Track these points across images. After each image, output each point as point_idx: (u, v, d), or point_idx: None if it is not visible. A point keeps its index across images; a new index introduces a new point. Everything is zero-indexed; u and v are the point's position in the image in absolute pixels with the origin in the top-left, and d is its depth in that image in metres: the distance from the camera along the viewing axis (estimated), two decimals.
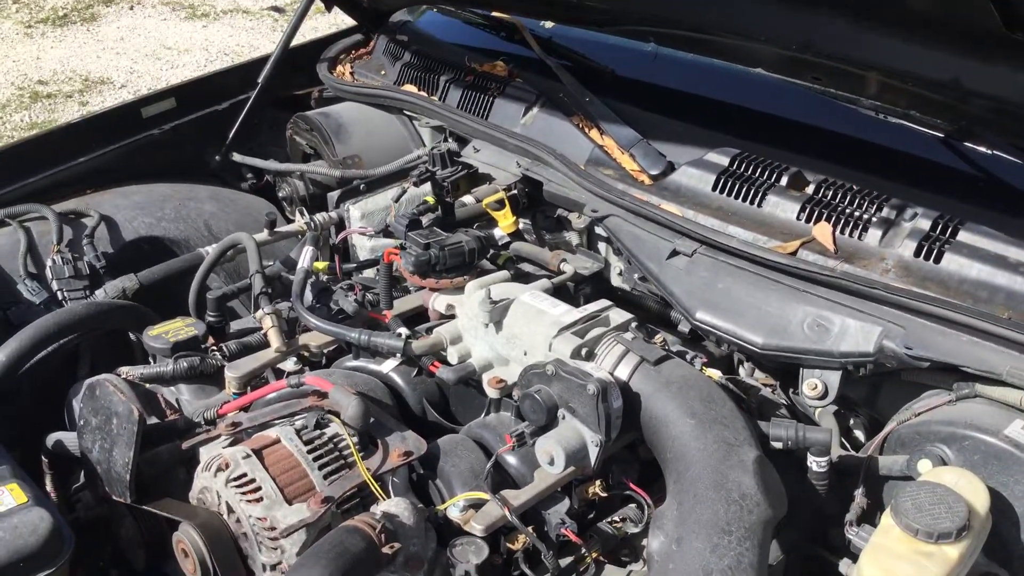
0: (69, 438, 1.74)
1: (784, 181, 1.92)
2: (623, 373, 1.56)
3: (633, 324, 1.69)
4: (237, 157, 2.74)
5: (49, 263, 2.16)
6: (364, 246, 2.29)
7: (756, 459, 1.44)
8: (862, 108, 2.01)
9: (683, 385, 1.53)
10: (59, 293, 2.13)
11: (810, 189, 1.91)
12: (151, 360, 1.86)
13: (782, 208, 1.88)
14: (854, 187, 1.87)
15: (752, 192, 1.92)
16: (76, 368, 2.02)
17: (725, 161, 1.99)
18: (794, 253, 1.80)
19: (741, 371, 1.93)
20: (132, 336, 2.05)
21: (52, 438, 1.78)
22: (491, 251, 2.01)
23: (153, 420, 1.61)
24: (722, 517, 1.35)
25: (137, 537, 1.63)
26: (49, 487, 1.81)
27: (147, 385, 1.74)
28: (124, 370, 1.76)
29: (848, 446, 1.76)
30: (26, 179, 2.37)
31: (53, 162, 2.42)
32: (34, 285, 2.13)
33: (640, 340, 1.64)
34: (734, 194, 1.94)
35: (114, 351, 2.04)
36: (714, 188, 1.96)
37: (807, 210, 1.85)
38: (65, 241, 2.22)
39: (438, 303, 1.86)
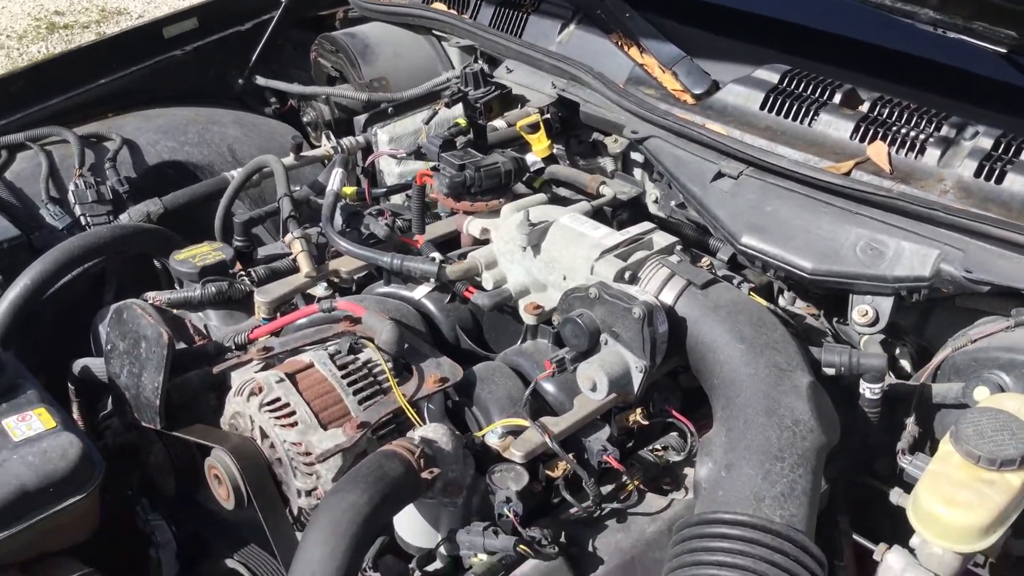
0: (96, 364, 1.70)
1: (837, 99, 1.83)
2: (668, 297, 1.50)
3: (678, 247, 1.63)
4: (260, 80, 2.67)
5: (71, 187, 2.11)
6: (392, 172, 2.22)
7: (809, 384, 1.38)
8: (920, 23, 1.89)
9: (732, 309, 1.47)
10: (82, 218, 2.09)
11: (865, 107, 1.81)
12: (177, 285, 1.82)
13: (835, 127, 1.78)
14: (911, 105, 1.77)
15: (803, 110, 1.82)
16: (102, 293, 1.99)
17: (775, 78, 1.89)
18: (847, 173, 1.71)
19: (781, 300, 1.86)
20: (157, 262, 2.00)
21: (79, 364, 1.74)
22: (525, 175, 1.93)
23: (182, 345, 1.57)
24: (774, 443, 1.29)
25: (167, 464, 1.60)
26: (76, 414, 1.78)
27: (174, 311, 1.70)
28: (151, 295, 1.71)
29: (893, 375, 1.70)
30: (46, 101, 2.31)
31: (73, 84, 2.35)
32: (56, 210, 2.09)
33: (686, 263, 1.57)
34: (783, 113, 1.84)
35: (139, 276, 2.00)
36: (762, 107, 1.86)
37: (861, 129, 1.76)
38: (87, 165, 2.16)
39: (472, 227, 1.79)
